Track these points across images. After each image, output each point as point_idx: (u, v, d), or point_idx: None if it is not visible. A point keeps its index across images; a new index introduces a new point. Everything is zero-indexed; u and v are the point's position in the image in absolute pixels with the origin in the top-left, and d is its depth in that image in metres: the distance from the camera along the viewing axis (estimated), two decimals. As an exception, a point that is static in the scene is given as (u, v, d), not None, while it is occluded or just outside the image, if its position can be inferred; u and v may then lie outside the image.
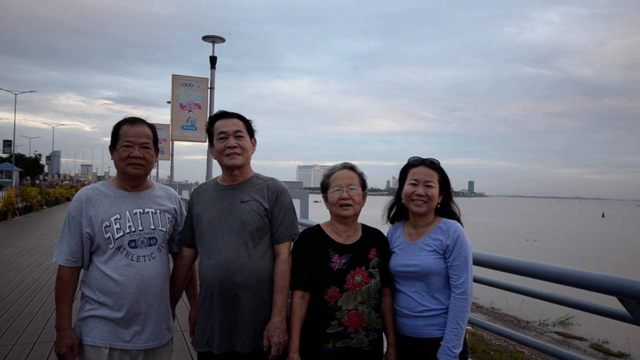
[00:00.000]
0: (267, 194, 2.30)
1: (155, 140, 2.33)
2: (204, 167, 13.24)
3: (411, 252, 2.21)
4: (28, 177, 64.16)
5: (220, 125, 2.32)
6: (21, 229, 14.48)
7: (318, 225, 2.36)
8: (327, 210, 2.35)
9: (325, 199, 2.33)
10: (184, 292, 2.54)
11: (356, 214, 2.29)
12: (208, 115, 12.85)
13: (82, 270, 2.25)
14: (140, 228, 2.23)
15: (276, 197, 2.30)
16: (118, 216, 2.20)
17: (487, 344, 6.76)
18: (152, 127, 2.32)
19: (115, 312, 2.14)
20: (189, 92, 12.66)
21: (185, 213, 2.48)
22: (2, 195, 18.29)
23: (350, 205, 2.24)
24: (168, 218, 2.35)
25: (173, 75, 12.67)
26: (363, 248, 2.27)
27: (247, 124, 2.37)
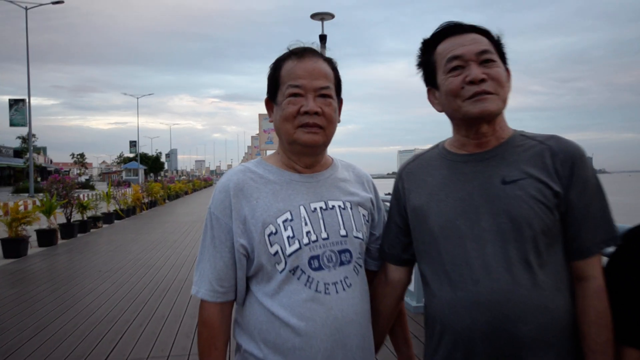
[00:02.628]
0: (551, 163, 1.21)
1: (339, 85, 1.38)
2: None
3: None
4: (152, 174, 70.17)
5: (451, 46, 1.25)
6: (148, 222, 15.38)
7: None
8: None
9: None
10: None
11: None
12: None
13: (235, 306, 1.39)
14: (323, 235, 1.29)
15: (571, 170, 1.20)
16: (289, 215, 1.28)
17: None
18: (331, 62, 1.37)
19: (296, 382, 1.24)
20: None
21: (383, 206, 1.52)
22: (130, 191, 19.59)
23: None
24: (364, 216, 1.39)
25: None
26: None
27: (496, 42, 1.31)
